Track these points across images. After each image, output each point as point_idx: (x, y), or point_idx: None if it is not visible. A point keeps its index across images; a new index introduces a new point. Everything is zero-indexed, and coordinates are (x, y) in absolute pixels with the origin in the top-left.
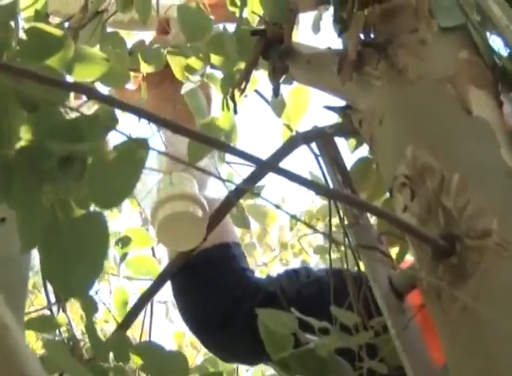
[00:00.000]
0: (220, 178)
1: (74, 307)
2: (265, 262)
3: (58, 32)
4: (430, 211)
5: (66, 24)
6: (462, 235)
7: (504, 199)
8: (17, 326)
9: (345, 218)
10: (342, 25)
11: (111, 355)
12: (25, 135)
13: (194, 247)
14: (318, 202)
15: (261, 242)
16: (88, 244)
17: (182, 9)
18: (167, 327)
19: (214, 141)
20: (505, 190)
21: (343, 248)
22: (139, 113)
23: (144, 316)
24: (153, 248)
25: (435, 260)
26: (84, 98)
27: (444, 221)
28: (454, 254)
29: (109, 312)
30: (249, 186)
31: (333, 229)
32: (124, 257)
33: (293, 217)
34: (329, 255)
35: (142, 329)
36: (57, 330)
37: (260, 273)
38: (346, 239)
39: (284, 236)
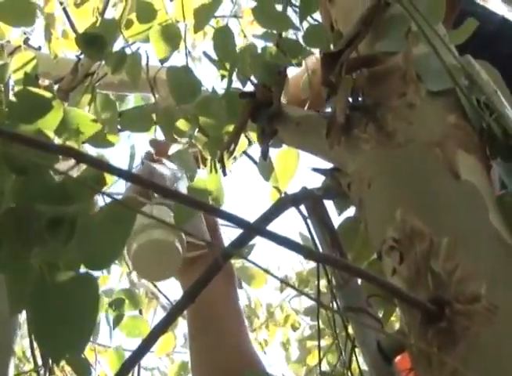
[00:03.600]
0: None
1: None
2: (252, 330)
3: (47, 94)
4: (419, 274)
5: (56, 86)
6: (451, 299)
7: (493, 263)
8: None
9: (333, 280)
10: (330, 89)
11: None
12: (14, 198)
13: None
14: (307, 264)
15: (249, 310)
16: (78, 306)
17: (171, 72)
18: None
19: (202, 204)
20: (493, 255)
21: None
22: (127, 176)
23: None
24: (140, 310)
25: (424, 324)
26: (73, 160)
27: (433, 285)
28: (443, 318)
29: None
30: (236, 250)
31: (324, 290)
32: (119, 319)
33: (281, 280)
34: (318, 319)
35: None
36: None
37: None
38: (334, 302)
39: (272, 300)
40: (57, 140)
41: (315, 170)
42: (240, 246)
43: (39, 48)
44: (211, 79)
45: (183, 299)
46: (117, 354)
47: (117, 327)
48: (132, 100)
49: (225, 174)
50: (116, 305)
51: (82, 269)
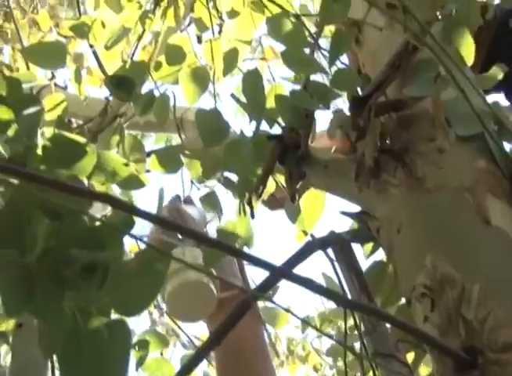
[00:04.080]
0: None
1: None
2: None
3: (81, 140)
4: (450, 322)
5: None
6: (484, 348)
7: None
8: None
9: (361, 324)
10: (359, 132)
11: None
12: (47, 243)
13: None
14: (329, 304)
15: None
16: (110, 352)
17: (200, 115)
18: None
19: (230, 248)
20: None
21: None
22: (158, 221)
23: None
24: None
25: (457, 373)
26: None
27: (465, 333)
28: (476, 367)
29: None
30: (263, 292)
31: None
32: (142, 360)
33: (304, 321)
34: (345, 363)
35: None
36: None
37: None
38: (362, 345)
39: (292, 340)
40: (86, 181)
41: (344, 213)
42: (268, 289)
43: (65, 87)
44: (231, 115)
45: (211, 340)
46: None
47: (140, 368)
48: (155, 138)
49: (253, 216)
50: (140, 346)
51: (114, 315)
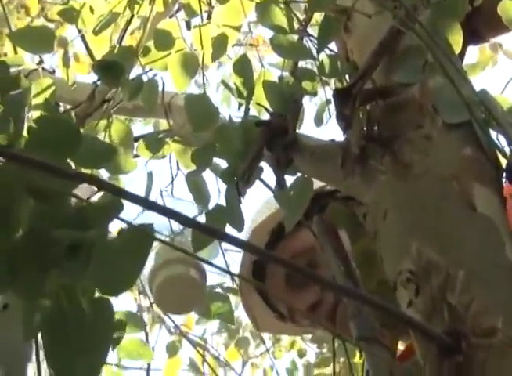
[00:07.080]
0: (219, 268)
1: None
2: (257, 355)
3: (67, 122)
4: (435, 307)
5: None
6: (467, 332)
7: (508, 297)
8: None
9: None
10: (345, 122)
11: None
12: (31, 223)
13: None
14: None
15: (254, 335)
16: (94, 330)
17: (189, 99)
18: None
19: (217, 232)
20: (509, 288)
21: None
22: (144, 202)
23: None
24: (147, 334)
25: (440, 357)
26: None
27: (449, 318)
28: (460, 351)
29: None
30: None
31: None
32: (118, 341)
33: None
34: (333, 348)
35: None
36: None
37: (252, 367)
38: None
39: None
40: (73, 165)
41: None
42: None
43: (53, 71)
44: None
45: None
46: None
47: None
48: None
49: (240, 201)
50: (116, 327)
51: (97, 295)
